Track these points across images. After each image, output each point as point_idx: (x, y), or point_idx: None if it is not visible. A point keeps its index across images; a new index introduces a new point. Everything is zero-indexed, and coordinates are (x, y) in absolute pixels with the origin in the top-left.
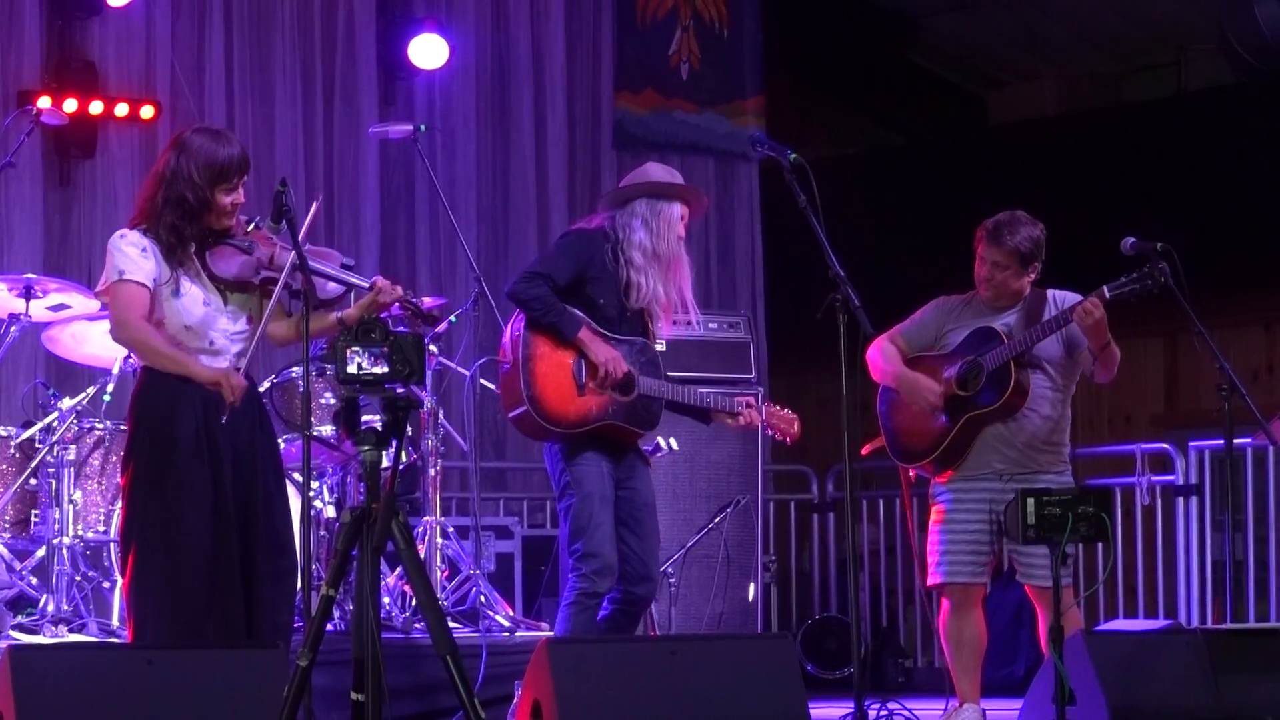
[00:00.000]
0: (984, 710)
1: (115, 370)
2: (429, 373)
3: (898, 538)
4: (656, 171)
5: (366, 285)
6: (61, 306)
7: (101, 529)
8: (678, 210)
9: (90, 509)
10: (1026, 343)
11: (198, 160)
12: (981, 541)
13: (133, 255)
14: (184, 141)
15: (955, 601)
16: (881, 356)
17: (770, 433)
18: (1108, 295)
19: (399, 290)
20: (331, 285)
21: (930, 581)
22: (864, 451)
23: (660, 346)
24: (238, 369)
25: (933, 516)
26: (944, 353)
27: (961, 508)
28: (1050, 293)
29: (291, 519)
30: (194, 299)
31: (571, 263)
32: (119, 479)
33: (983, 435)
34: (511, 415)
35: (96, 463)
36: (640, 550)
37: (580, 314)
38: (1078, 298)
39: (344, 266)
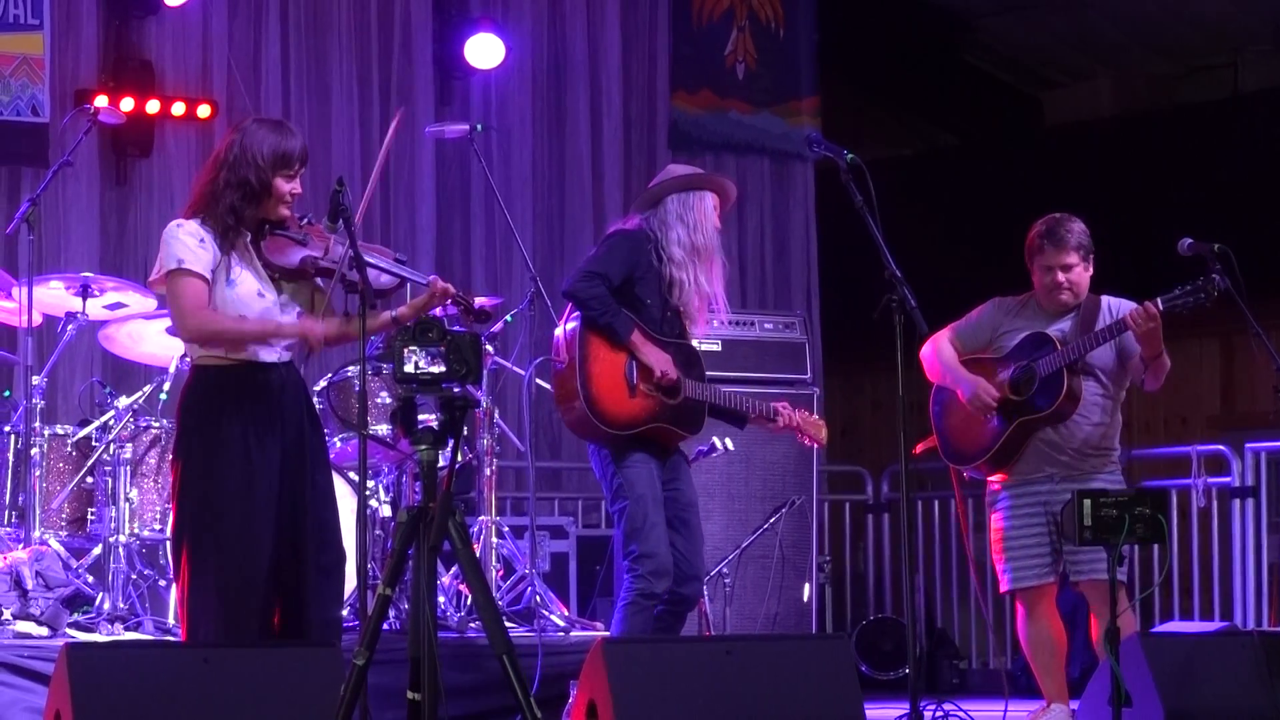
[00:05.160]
0: (1073, 710)
1: (171, 369)
2: (485, 372)
3: (952, 538)
4: (679, 169)
5: (421, 279)
6: (118, 305)
7: (157, 527)
8: (709, 200)
9: (146, 507)
10: (1080, 350)
11: (262, 146)
12: (1043, 541)
13: (190, 244)
14: (245, 128)
15: (1029, 605)
16: (938, 356)
17: (799, 437)
18: (1161, 307)
19: (449, 289)
20: (385, 279)
21: (1002, 588)
22: (916, 451)
23: (701, 345)
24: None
25: (993, 524)
26: (998, 356)
27: (1020, 511)
28: (1105, 299)
29: (339, 514)
30: (249, 290)
31: (622, 264)
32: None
33: (1034, 439)
34: (564, 413)
35: (153, 461)
36: (687, 550)
37: (631, 316)
38: (1132, 305)
39: (396, 261)
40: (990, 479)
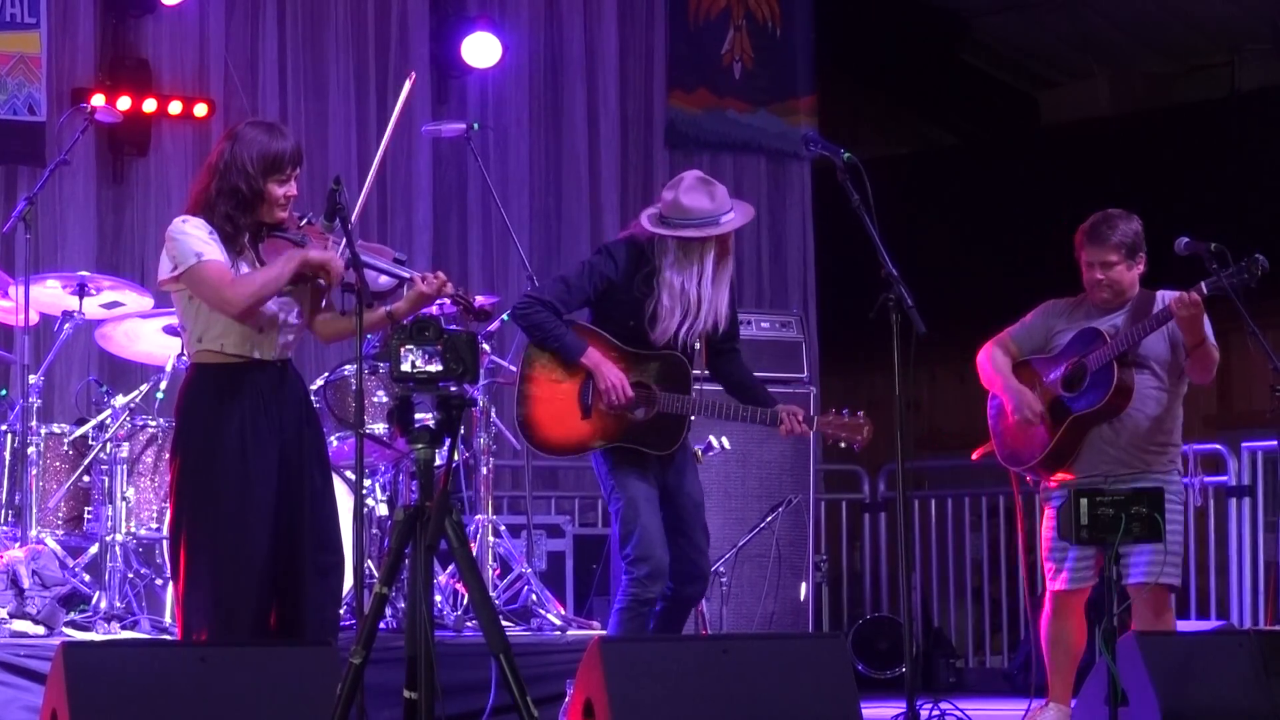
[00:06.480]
0: (1071, 712)
1: (168, 367)
2: (481, 371)
3: (950, 537)
4: (692, 200)
5: (421, 278)
6: (115, 304)
7: (154, 526)
8: (710, 249)
9: (143, 506)
10: (1127, 341)
11: (251, 151)
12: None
13: (202, 236)
14: (237, 133)
15: (1062, 603)
16: (991, 363)
17: (833, 443)
18: (1205, 290)
19: (448, 285)
20: (383, 279)
21: (1054, 587)
22: (975, 456)
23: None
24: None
25: (1047, 519)
26: (1051, 356)
27: None
28: (1160, 293)
29: (337, 514)
30: None
31: (590, 287)
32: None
33: (1089, 437)
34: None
35: (149, 460)
36: (690, 550)
37: (592, 329)
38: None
39: (396, 261)
40: (1048, 482)
